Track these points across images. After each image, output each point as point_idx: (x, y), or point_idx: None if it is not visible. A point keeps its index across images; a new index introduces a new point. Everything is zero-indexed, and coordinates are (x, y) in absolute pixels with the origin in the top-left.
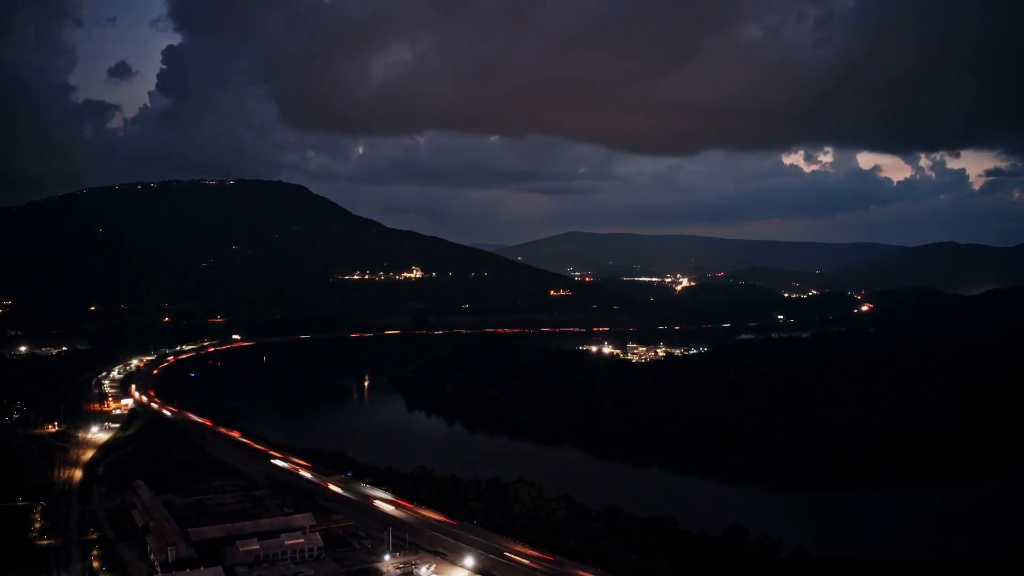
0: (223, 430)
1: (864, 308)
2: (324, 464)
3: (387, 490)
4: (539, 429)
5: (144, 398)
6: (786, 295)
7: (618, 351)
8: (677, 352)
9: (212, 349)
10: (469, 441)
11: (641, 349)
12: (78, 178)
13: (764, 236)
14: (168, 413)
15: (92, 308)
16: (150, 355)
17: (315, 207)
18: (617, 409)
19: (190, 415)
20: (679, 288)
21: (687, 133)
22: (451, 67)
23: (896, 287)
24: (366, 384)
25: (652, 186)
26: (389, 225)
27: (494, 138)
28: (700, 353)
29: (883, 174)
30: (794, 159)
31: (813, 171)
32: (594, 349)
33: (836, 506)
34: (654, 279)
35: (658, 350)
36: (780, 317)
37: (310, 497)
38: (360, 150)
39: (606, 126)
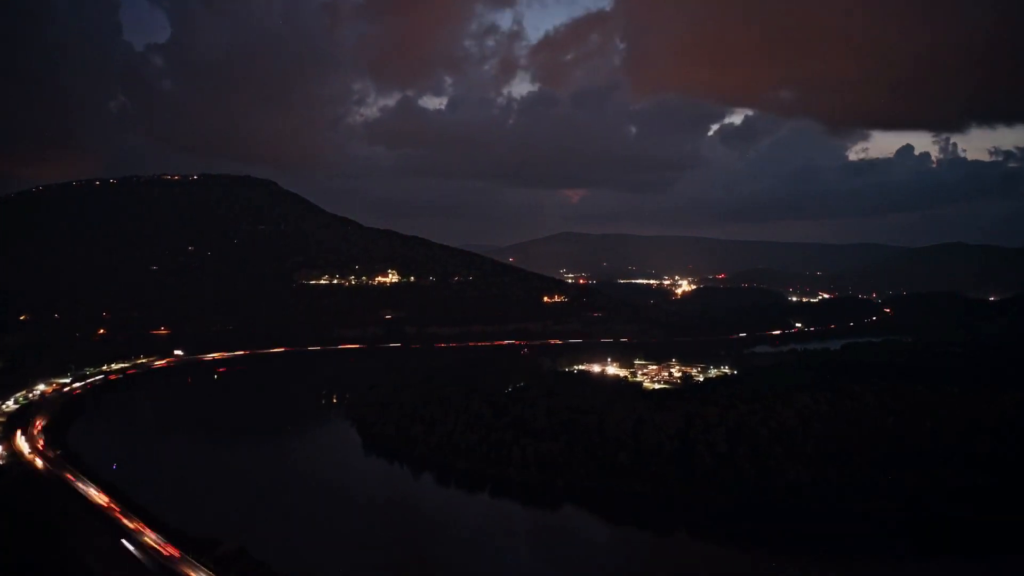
0: (99, 497)
1: (884, 312)
2: (219, 566)
3: None
4: (530, 488)
5: (23, 443)
6: (793, 299)
7: (625, 372)
8: (694, 372)
9: (157, 366)
10: (436, 505)
11: (652, 368)
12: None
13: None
14: (45, 467)
15: (22, 318)
16: (66, 377)
17: (285, 204)
18: (635, 466)
19: (70, 476)
20: (679, 292)
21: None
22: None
23: (909, 290)
24: (331, 408)
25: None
26: (393, 228)
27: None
28: (733, 379)
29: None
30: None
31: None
32: (597, 368)
33: None
34: (651, 281)
35: (672, 369)
36: (798, 325)
37: None
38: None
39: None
